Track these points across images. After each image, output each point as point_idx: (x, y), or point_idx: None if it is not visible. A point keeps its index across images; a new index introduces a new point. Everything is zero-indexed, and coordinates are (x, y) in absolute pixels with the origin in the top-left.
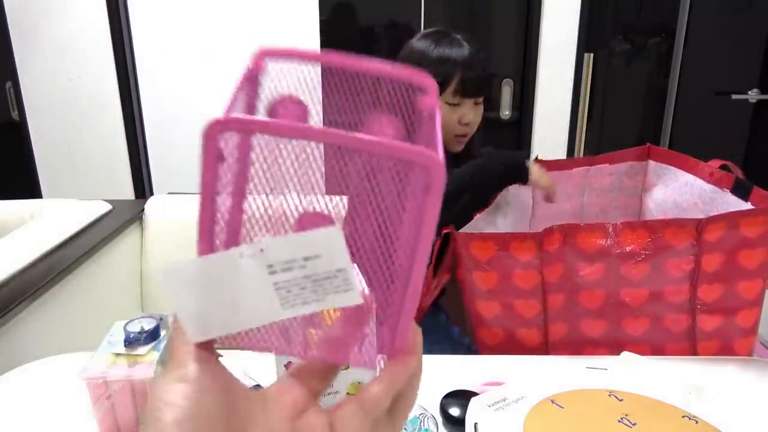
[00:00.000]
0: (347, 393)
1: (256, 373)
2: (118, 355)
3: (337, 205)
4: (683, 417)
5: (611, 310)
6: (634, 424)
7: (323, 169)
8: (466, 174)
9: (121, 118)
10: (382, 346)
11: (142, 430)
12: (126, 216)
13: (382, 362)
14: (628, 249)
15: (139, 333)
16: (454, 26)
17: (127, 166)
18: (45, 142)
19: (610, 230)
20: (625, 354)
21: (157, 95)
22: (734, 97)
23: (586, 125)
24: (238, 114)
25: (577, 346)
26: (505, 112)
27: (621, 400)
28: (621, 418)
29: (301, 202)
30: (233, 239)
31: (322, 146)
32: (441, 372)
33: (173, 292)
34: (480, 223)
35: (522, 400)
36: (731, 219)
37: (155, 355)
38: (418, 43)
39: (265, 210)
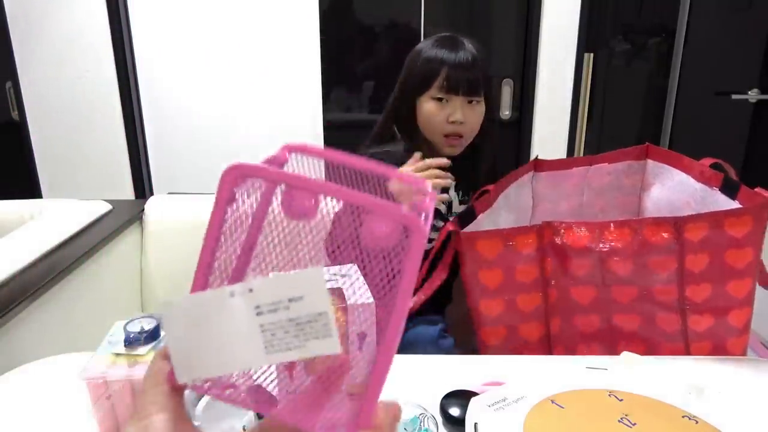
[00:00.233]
0: None
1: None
2: (118, 355)
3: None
4: (683, 417)
5: (602, 306)
6: (634, 424)
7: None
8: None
9: (121, 118)
10: (347, 420)
11: None
12: (126, 216)
13: None
14: (611, 246)
15: (139, 333)
16: (454, 26)
17: (127, 166)
18: (45, 142)
19: (596, 228)
20: (625, 354)
21: (157, 95)
22: (734, 97)
23: (586, 125)
24: (253, 162)
25: (573, 340)
26: (505, 112)
27: (621, 400)
28: (621, 418)
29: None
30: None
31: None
32: (441, 372)
33: (167, 326)
34: (483, 223)
35: (522, 400)
36: (713, 219)
37: None
38: (421, 43)
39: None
